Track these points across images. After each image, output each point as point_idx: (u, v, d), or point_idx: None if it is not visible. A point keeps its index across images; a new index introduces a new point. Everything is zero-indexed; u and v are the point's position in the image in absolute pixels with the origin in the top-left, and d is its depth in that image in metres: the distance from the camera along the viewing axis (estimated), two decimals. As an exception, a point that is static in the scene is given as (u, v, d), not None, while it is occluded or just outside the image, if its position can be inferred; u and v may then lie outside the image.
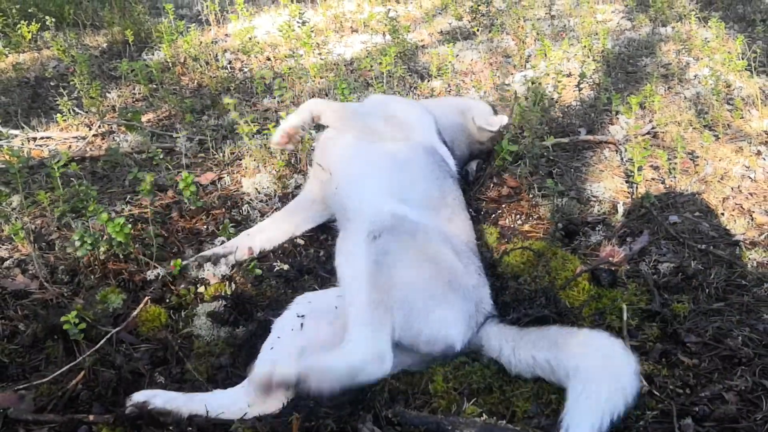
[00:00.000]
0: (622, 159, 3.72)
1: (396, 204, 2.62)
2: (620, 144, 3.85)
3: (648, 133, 3.97)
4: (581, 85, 4.27)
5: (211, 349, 2.41)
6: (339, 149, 3.04)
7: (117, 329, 2.45)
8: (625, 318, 2.49)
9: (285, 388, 2.09)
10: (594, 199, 3.37)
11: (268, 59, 5.37)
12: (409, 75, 4.90)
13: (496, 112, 3.67)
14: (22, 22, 5.54)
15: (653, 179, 3.51)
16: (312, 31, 5.29)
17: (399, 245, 2.41)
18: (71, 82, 4.49)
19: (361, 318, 2.24)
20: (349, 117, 3.13)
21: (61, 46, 4.89)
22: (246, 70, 4.88)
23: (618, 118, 4.17)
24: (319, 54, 5.17)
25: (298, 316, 2.40)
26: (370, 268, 2.33)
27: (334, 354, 2.18)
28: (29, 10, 5.94)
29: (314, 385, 2.06)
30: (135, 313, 2.53)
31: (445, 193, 2.87)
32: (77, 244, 2.66)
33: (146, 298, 2.60)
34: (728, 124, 4.02)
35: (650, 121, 4.10)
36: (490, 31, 5.84)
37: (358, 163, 2.94)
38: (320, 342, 2.32)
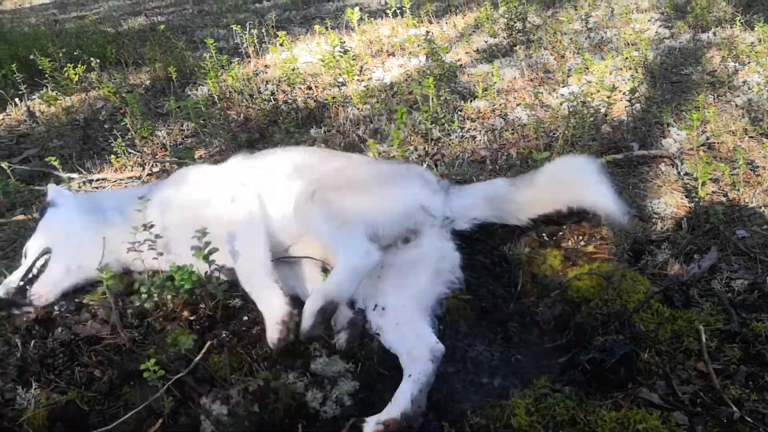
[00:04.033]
0: (679, 173, 3.65)
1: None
2: (675, 157, 3.79)
3: (703, 144, 3.90)
4: (632, 99, 4.20)
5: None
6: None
7: (183, 372, 2.44)
8: (703, 340, 2.43)
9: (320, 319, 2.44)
10: (656, 216, 3.30)
11: (309, 89, 5.40)
12: (451, 96, 4.88)
13: None
14: (69, 65, 5.67)
15: (714, 192, 3.44)
16: (353, 58, 5.32)
17: (332, 189, 2.79)
18: (122, 122, 4.57)
19: (337, 241, 2.63)
20: None
21: (110, 88, 4.97)
22: (290, 101, 4.91)
23: (669, 131, 4.11)
24: (361, 81, 5.20)
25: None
26: (323, 215, 2.69)
27: (336, 271, 2.55)
28: (74, 53, 6.07)
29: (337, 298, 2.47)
30: (198, 357, 2.52)
31: None
32: (144, 296, 2.68)
33: (208, 342, 2.59)
34: (786, 131, 3.94)
35: (704, 132, 4.03)
36: (527, 47, 5.82)
37: None
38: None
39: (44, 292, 2.87)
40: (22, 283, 2.85)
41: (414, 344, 2.41)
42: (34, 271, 2.89)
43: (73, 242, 2.94)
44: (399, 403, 2.20)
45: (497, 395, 2.35)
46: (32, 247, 2.96)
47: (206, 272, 2.73)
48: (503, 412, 2.21)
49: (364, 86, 5.04)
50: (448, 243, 2.87)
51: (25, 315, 2.83)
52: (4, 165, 3.87)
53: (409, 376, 2.30)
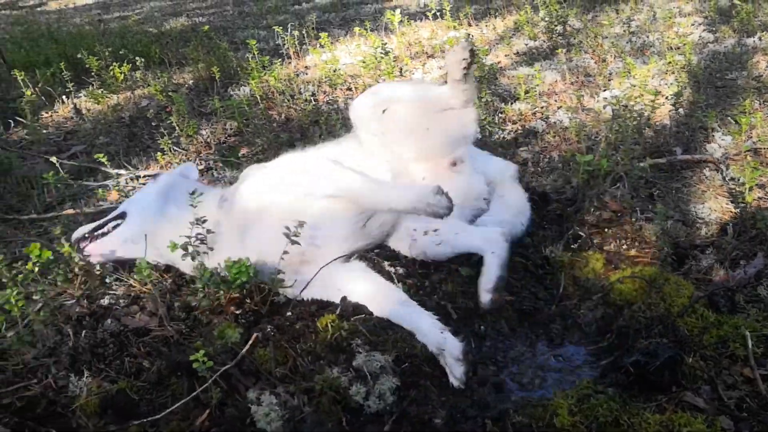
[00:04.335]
0: (724, 178, 3.62)
1: None
2: (720, 162, 3.75)
3: (749, 150, 3.85)
4: (676, 104, 4.17)
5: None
6: None
7: (230, 364, 2.49)
8: (750, 346, 2.40)
9: None
10: (700, 221, 3.28)
11: (349, 90, 5.45)
12: (492, 98, 4.89)
13: None
14: (114, 63, 5.80)
15: (761, 198, 3.40)
16: (393, 60, 5.36)
17: None
18: (167, 121, 4.67)
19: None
20: None
21: (157, 87, 5.08)
22: (331, 101, 4.97)
23: (714, 136, 4.07)
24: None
25: None
26: None
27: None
28: (120, 52, 6.21)
29: None
30: (244, 350, 2.56)
31: None
32: (200, 295, 2.72)
33: (255, 335, 2.63)
34: (834, 138, 3.87)
35: (750, 137, 3.98)
36: (568, 51, 5.80)
37: None
38: None
39: (95, 252, 3.00)
40: (87, 234, 3.01)
41: (482, 234, 2.88)
42: (105, 228, 3.03)
43: (137, 217, 3.01)
44: (493, 271, 2.71)
45: (539, 395, 2.35)
46: (119, 207, 3.10)
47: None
48: (545, 412, 2.21)
49: (405, 88, 5.06)
50: (479, 176, 3.22)
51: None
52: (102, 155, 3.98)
53: (492, 252, 2.77)
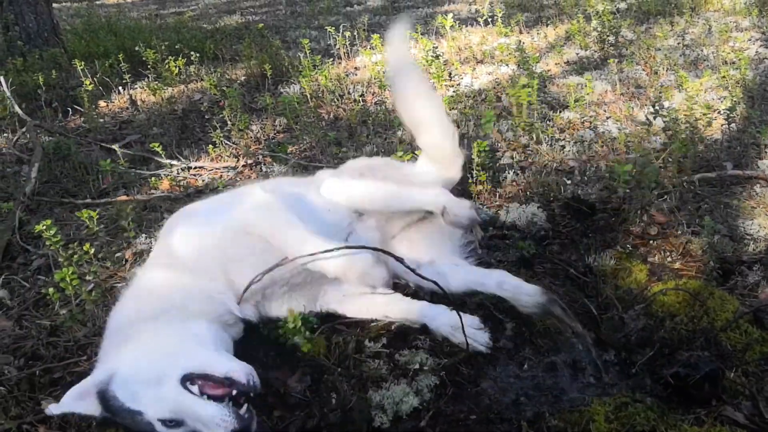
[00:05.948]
0: (775, 195, 3.56)
1: None
2: (772, 180, 3.69)
3: (803, 168, 3.79)
4: (729, 118, 4.11)
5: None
6: None
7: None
8: (794, 364, 2.38)
9: None
10: (748, 237, 3.23)
11: (398, 91, 5.49)
12: (540, 105, 4.88)
13: None
14: (170, 57, 5.94)
15: (812, 217, 3.34)
16: (444, 64, 5.39)
17: None
18: (219, 115, 4.78)
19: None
20: None
21: (212, 81, 5.21)
22: (380, 102, 5.02)
23: (767, 153, 4.00)
24: (450, 86, 5.25)
25: None
26: None
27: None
28: (176, 47, 6.37)
29: None
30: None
31: None
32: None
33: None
34: None
35: (804, 156, 3.91)
36: (620, 62, 5.76)
37: None
38: None
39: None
40: None
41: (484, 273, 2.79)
42: None
43: None
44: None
45: (576, 400, 2.35)
46: None
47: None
48: (582, 417, 2.22)
49: (453, 92, 5.09)
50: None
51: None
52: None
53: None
